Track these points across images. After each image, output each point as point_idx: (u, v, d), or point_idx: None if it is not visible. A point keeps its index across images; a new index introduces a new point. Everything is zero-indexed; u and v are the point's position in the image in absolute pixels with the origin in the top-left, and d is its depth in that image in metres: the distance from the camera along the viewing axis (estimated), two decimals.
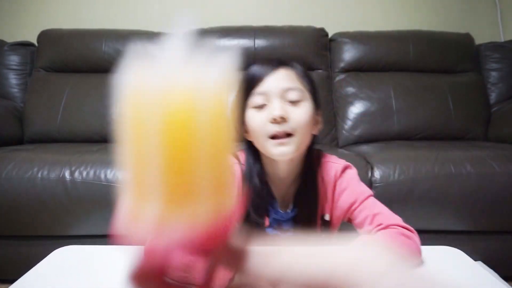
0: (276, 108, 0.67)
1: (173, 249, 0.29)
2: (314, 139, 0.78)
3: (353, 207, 0.73)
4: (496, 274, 1.14)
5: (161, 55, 0.24)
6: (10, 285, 0.62)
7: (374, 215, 0.70)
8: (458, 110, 1.82)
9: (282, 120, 0.67)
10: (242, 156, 0.78)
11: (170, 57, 0.24)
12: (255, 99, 0.69)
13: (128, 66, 0.24)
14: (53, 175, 1.27)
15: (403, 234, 0.65)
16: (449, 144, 1.62)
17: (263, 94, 0.69)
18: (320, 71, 1.94)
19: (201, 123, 0.24)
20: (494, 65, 1.97)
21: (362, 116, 1.83)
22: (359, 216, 0.72)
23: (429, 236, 1.36)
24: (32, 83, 1.90)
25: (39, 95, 1.85)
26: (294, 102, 0.70)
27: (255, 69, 0.72)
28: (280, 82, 0.69)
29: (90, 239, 1.31)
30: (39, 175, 1.27)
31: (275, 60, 0.73)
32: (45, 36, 1.95)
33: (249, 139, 0.74)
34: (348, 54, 1.94)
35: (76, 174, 1.27)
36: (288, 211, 0.77)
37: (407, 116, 1.81)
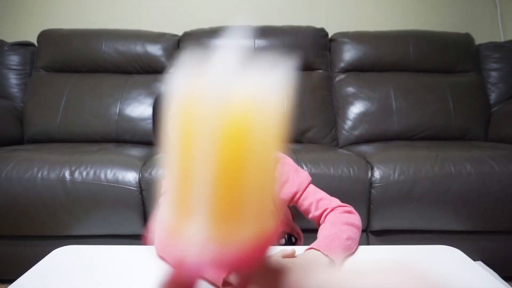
0: None
1: (209, 265, 0.28)
2: None
3: (296, 197, 0.80)
4: (496, 274, 1.14)
5: (216, 64, 0.22)
6: (10, 285, 0.62)
7: (318, 201, 0.78)
8: (458, 110, 1.82)
9: None
10: None
11: (225, 66, 0.22)
12: None
13: (182, 72, 0.22)
14: (53, 175, 1.27)
15: (347, 212, 0.76)
16: (449, 144, 1.62)
17: None
18: (320, 71, 1.94)
19: (254, 138, 0.22)
20: (494, 65, 1.97)
21: (362, 116, 1.83)
22: (304, 203, 0.80)
23: (429, 236, 1.36)
24: (32, 83, 1.90)
25: (39, 95, 1.85)
26: None
27: None
28: None
29: (90, 239, 1.31)
30: (39, 175, 1.27)
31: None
32: (45, 36, 1.95)
33: None
34: (348, 54, 1.94)
35: (76, 174, 1.27)
36: None
37: (407, 116, 1.81)
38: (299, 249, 0.68)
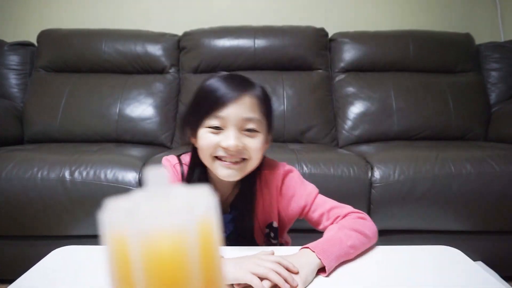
0: (231, 138, 0.66)
1: None
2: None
3: (305, 210, 0.78)
4: (496, 274, 1.14)
5: (139, 199, 0.23)
6: (10, 285, 0.62)
7: (329, 211, 0.76)
8: (458, 110, 1.82)
9: (235, 151, 0.67)
10: (187, 158, 0.79)
11: (148, 200, 0.23)
12: (212, 121, 0.68)
13: (110, 211, 0.23)
14: (53, 175, 1.27)
15: (360, 218, 0.74)
16: (449, 144, 1.62)
17: (222, 118, 0.67)
18: (320, 71, 1.94)
19: (188, 264, 0.23)
20: (494, 65, 1.97)
21: (362, 116, 1.83)
22: (314, 215, 0.77)
23: (429, 236, 1.36)
24: (32, 83, 1.90)
25: (39, 95, 1.85)
26: (250, 131, 0.69)
27: (220, 91, 0.68)
28: (241, 111, 0.67)
29: (90, 239, 1.31)
30: (39, 175, 1.27)
31: (242, 84, 0.70)
32: (45, 36, 1.95)
33: (196, 145, 0.74)
34: (348, 54, 1.94)
35: (76, 174, 1.27)
36: (228, 214, 0.78)
37: (407, 116, 1.81)
38: (293, 249, 0.68)
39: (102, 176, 1.27)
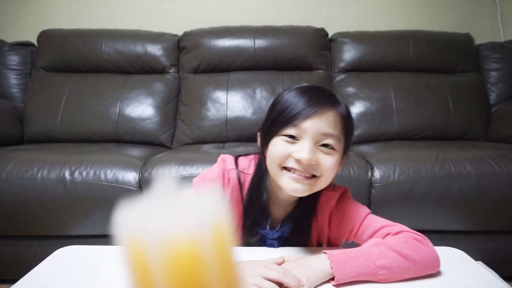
0: (305, 150, 0.62)
1: None
2: None
3: (353, 232, 0.73)
4: (496, 274, 1.14)
5: (153, 204, 0.24)
6: (11, 285, 0.62)
7: (380, 229, 0.70)
8: (458, 110, 1.82)
9: (309, 164, 0.63)
10: (251, 162, 0.76)
11: (160, 204, 0.24)
12: (290, 130, 0.64)
13: (125, 215, 0.24)
14: (53, 175, 1.27)
15: (414, 239, 0.66)
16: (449, 144, 1.62)
17: (300, 129, 0.63)
18: (320, 71, 1.94)
19: (205, 266, 0.23)
20: (494, 65, 1.97)
21: (362, 116, 1.83)
22: (363, 235, 0.72)
23: (429, 236, 1.36)
24: (32, 83, 1.90)
25: (39, 95, 1.85)
26: (327, 148, 0.65)
27: (304, 102, 0.65)
28: (322, 125, 0.63)
29: (90, 239, 1.31)
30: (39, 175, 1.27)
31: (328, 99, 0.67)
32: (45, 36, 1.95)
33: (265, 154, 0.70)
34: (348, 54, 1.94)
35: (76, 174, 1.27)
36: (275, 230, 0.76)
37: (407, 116, 1.81)
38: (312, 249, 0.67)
39: (102, 176, 1.27)
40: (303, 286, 0.57)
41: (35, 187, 1.26)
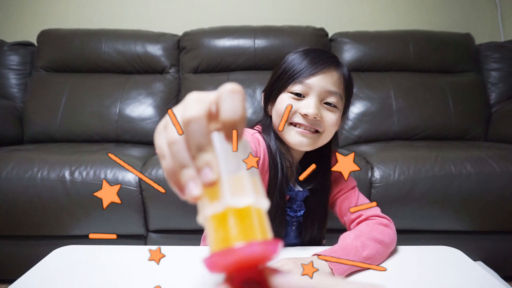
0: (312, 106, 0.67)
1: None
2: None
3: (338, 195, 0.80)
4: (496, 274, 1.14)
5: None
6: (10, 285, 0.62)
7: (356, 204, 0.77)
8: (458, 110, 1.82)
9: (313, 119, 0.68)
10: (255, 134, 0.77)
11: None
12: (296, 87, 0.69)
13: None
14: (53, 175, 1.27)
15: (382, 224, 0.73)
16: (449, 144, 1.62)
17: (306, 86, 0.68)
18: None
19: None
20: (494, 65, 1.97)
21: (362, 116, 1.83)
22: (342, 205, 0.79)
23: (429, 236, 1.36)
24: (32, 83, 1.90)
25: (39, 95, 1.85)
26: (330, 105, 0.70)
27: (310, 59, 0.70)
28: (327, 83, 0.69)
29: (90, 239, 1.31)
30: (39, 175, 1.27)
31: (332, 59, 0.72)
32: (45, 36, 1.95)
33: (270, 114, 0.75)
34: (348, 54, 1.94)
35: (76, 174, 1.27)
36: (300, 189, 0.77)
37: (407, 116, 1.81)
38: (303, 253, 0.68)
39: (102, 176, 1.27)
40: None
41: (35, 187, 1.26)
